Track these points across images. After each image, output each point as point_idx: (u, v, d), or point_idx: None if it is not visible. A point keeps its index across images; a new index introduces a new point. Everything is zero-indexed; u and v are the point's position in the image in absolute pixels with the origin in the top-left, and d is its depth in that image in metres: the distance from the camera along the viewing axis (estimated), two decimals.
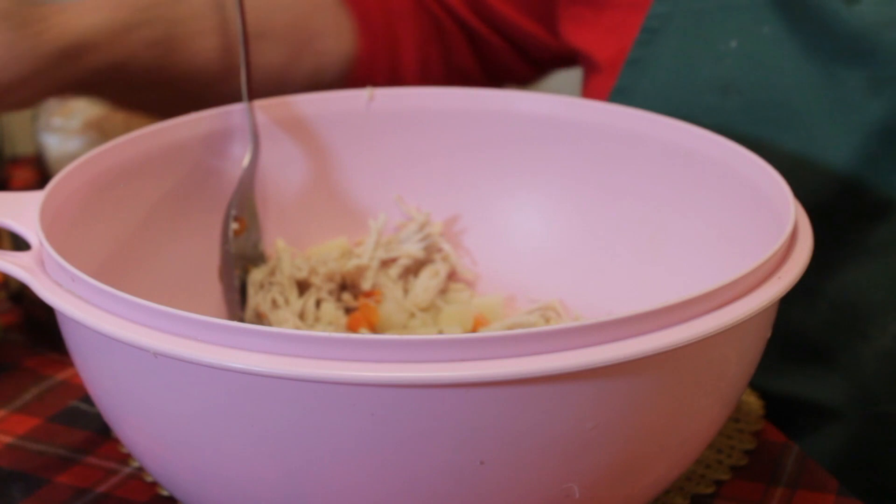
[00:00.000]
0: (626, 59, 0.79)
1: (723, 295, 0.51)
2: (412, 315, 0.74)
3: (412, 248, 0.75)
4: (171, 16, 0.79)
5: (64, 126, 1.08)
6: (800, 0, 0.74)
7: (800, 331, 0.77)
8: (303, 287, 0.74)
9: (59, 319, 0.57)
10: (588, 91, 0.88)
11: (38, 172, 1.06)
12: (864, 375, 0.76)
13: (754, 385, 0.75)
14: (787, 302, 0.75)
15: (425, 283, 0.75)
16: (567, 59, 0.95)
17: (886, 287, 0.75)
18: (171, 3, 0.79)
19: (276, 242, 0.75)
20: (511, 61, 0.94)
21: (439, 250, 0.76)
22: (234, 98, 0.77)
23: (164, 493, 0.64)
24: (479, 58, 0.94)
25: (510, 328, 0.71)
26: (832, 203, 0.74)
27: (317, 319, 0.73)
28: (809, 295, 0.76)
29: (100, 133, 1.10)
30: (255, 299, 0.72)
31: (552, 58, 0.95)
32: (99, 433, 0.68)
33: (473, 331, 0.72)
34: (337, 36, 0.85)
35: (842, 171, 0.74)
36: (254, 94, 0.74)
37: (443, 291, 0.76)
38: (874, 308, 0.75)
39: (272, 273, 0.73)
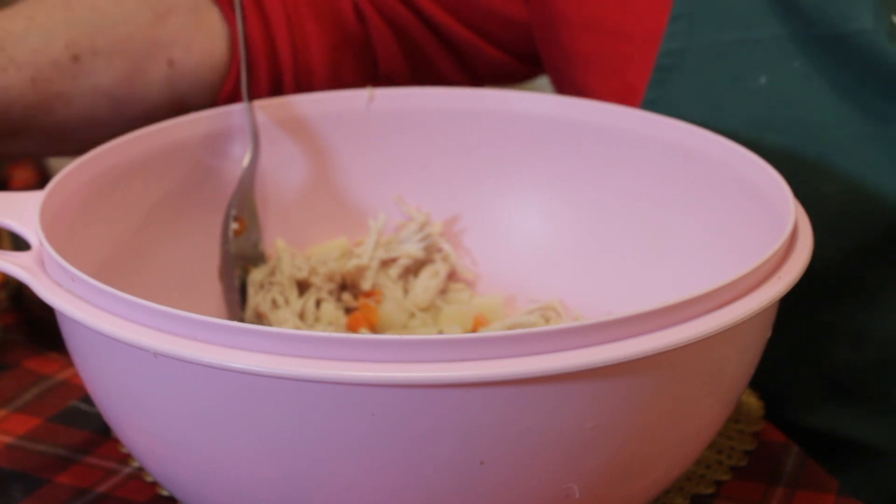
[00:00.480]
0: (644, 99, 0.76)
1: (723, 295, 0.51)
2: (412, 315, 0.74)
3: (412, 248, 0.75)
4: (124, 47, 0.74)
5: None
6: (835, 35, 0.72)
7: (847, 370, 0.76)
8: (303, 287, 0.74)
9: (59, 319, 0.57)
10: None
11: (38, 172, 1.06)
12: None
13: (794, 420, 0.74)
14: (833, 341, 0.75)
15: (425, 283, 0.75)
16: (519, 76, 0.90)
17: None
18: None
19: (276, 242, 0.75)
20: (450, 71, 0.88)
21: (439, 250, 0.76)
22: (59, 127, 0.74)
23: (164, 493, 0.64)
24: (412, 67, 0.88)
25: (510, 328, 0.71)
26: (882, 243, 0.72)
27: (317, 319, 0.73)
28: (857, 336, 0.75)
29: None
30: (255, 299, 0.72)
31: (499, 74, 0.89)
32: (99, 433, 0.68)
33: (473, 331, 0.72)
34: (197, 44, 0.78)
35: (893, 210, 0.72)
36: (134, 105, 0.71)
37: (443, 291, 0.76)
38: None
39: (272, 273, 0.73)
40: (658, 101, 0.76)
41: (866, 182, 0.72)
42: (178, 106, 0.77)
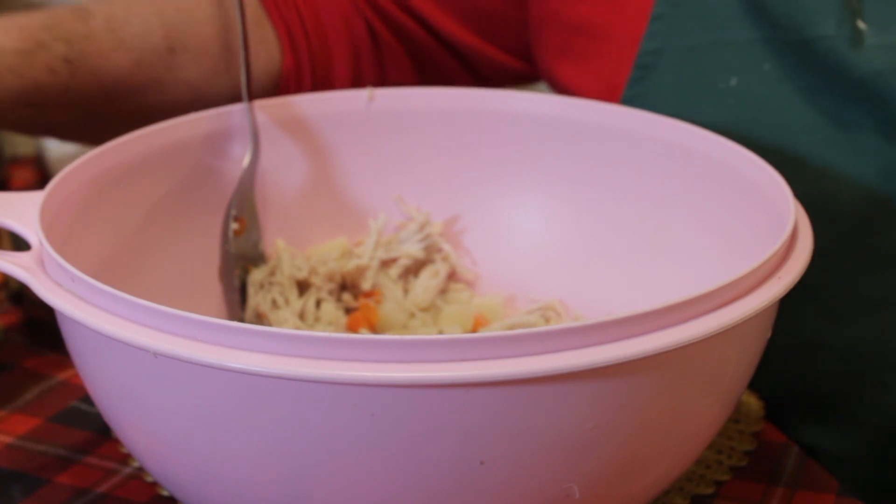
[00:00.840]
0: (622, 97, 0.77)
1: (723, 295, 0.51)
2: (412, 315, 0.74)
3: (412, 248, 0.75)
4: (71, 35, 0.76)
5: None
6: (801, 40, 0.72)
7: (804, 381, 0.76)
8: (303, 287, 0.74)
9: (59, 319, 0.57)
10: None
11: (38, 172, 1.06)
12: (886, 423, 0.75)
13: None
14: (790, 351, 0.74)
15: (425, 283, 0.75)
16: (522, 76, 0.91)
17: None
18: (69, 22, 0.76)
19: (276, 242, 0.75)
20: (455, 74, 0.90)
21: (439, 250, 0.76)
22: (146, 112, 0.77)
23: (164, 493, 0.64)
24: (419, 72, 0.89)
25: (510, 328, 0.71)
26: (839, 251, 0.73)
27: (317, 319, 0.73)
28: (814, 346, 0.75)
29: None
30: (255, 299, 0.72)
31: (503, 75, 0.90)
32: (99, 433, 0.68)
33: (473, 331, 0.72)
34: (262, 51, 0.82)
35: (853, 215, 0.72)
36: (211, 101, 0.73)
37: (443, 291, 0.76)
38: (893, 356, 0.74)
39: (272, 273, 0.73)
40: (635, 99, 0.77)
41: (828, 187, 0.72)
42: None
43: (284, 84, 0.83)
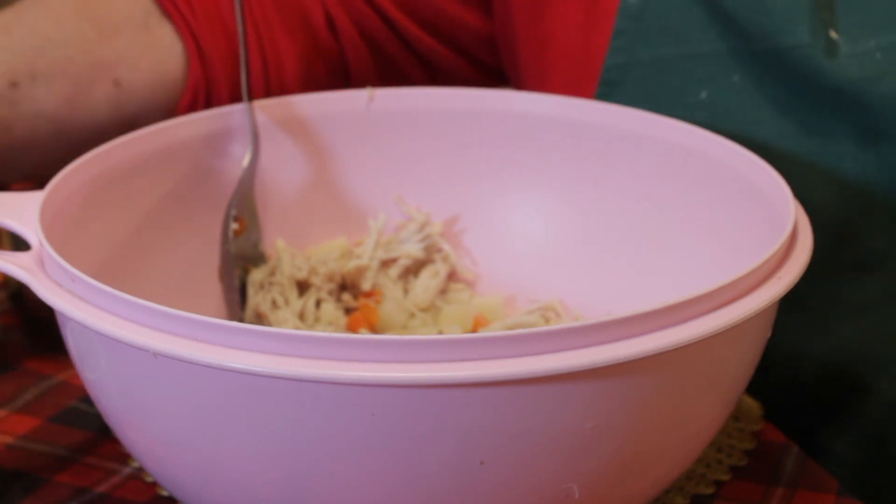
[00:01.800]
0: None
1: (723, 295, 0.51)
2: (412, 315, 0.74)
3: (412, 249, 0.75)
4: (65, 69, 0.73)
5: None
6: (772, 50, 0.72)
7: (789, 389, 0.76)
8: (303, 287, 0.74)
9: (59, 319, 0.57)
10: None
11: None
12: (876, 427, 0.75)
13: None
14: (773, 360, 0.74)
15: (425, 283, 0.75)
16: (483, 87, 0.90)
17: (891, 336, 0.74)
18: (61, 56, 0.73)
19: (276, 242, 0.75)
20: (416, 81, 0.88)
21: (439, 250, 0.76)
22: (11, 151, 0.73)
23: (164, 493, 0.64)
24: (380, 73, 0.88)
25: (510, 328, 0.71)
26: (821, 258, 0.72)
27: (317, 319, 0.73)
28: (796, 356, 0.75)
29: None
30: (255, 299, 0.72)
31: (465, 85, 0.87)
32: (99, 433, 0.68)
33: (473, 331, 0.72)
34: (145, 62, 0.76)
35: (831, 223, 0.72)
36: (84, 123, 0.71)
37: (443, 291, 0.76)
38: (878, 361, 0.74)
39: (272, 273, 0.73)
40: None
41: (805, 196, 0.72)
42: (127, 127, 0.75)
43: (190, 94, 0.78)
